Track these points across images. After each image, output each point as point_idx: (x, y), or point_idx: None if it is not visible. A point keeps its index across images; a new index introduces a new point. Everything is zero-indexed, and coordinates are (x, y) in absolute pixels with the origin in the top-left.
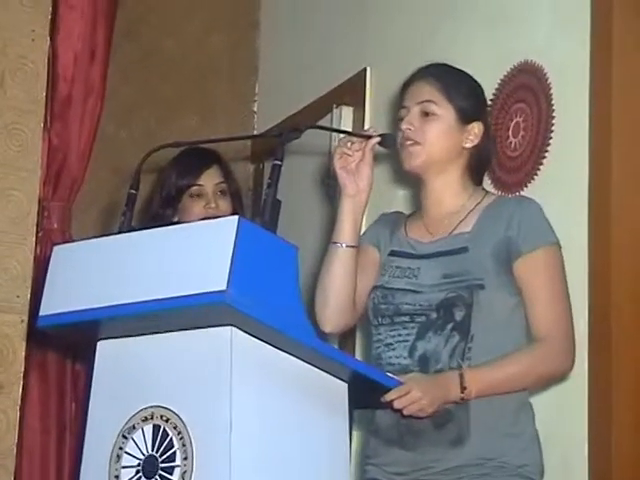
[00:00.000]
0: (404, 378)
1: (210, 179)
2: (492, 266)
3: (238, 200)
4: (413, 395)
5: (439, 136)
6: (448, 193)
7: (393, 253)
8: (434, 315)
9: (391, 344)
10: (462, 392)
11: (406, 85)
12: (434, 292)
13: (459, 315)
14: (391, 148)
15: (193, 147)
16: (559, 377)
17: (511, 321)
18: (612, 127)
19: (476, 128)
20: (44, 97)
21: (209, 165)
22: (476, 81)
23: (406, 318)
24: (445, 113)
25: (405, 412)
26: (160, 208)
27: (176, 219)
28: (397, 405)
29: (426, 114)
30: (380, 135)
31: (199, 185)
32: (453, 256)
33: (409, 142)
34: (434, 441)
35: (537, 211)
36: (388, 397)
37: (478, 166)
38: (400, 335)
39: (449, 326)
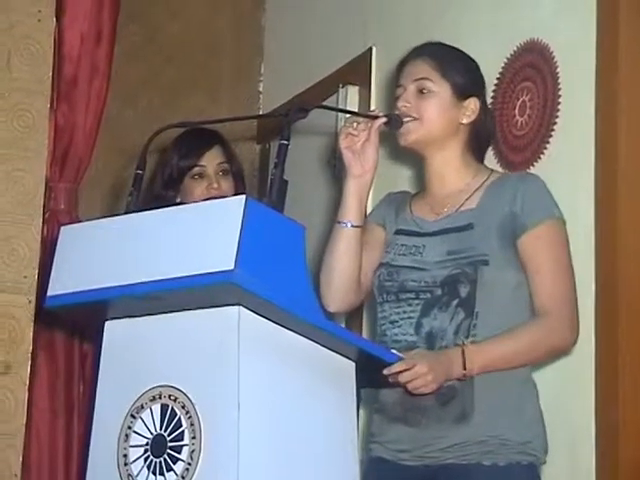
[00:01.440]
0: (408, 354)
1: (212, 159)
2: (497, 242)
3: (240, 180)
4: (418, 369)
5: (435, 112)
6: (449, 170)
7: (399, 231)
8: (439, 292)
9: (396, 321)
10: (464, 368)
11: (402, 64)
12: (439, 269)
13: (464, 291)
14: (396, 129)
15: (194, 128)
16: (562, 352)
17: (516, 297)
18: (618, 105)
19: (472, 104)
20: (50, 78)
21: (211, 146)
22: (472, 58)
23: (411, 295)
24: (441, 90)
25: (409, 387)
26: (162, 189)
27: (178, 200)
28: (402, 379)
29: (422, 91)
30: (386, 115)
31: (201, 166)
32: (458, 233)
33: (406, 119)
34: (438, 418)
35: (540, 186)
36: (393, 369)
37: (478, 142)
38: (405, 312)
39: (454, 302)
